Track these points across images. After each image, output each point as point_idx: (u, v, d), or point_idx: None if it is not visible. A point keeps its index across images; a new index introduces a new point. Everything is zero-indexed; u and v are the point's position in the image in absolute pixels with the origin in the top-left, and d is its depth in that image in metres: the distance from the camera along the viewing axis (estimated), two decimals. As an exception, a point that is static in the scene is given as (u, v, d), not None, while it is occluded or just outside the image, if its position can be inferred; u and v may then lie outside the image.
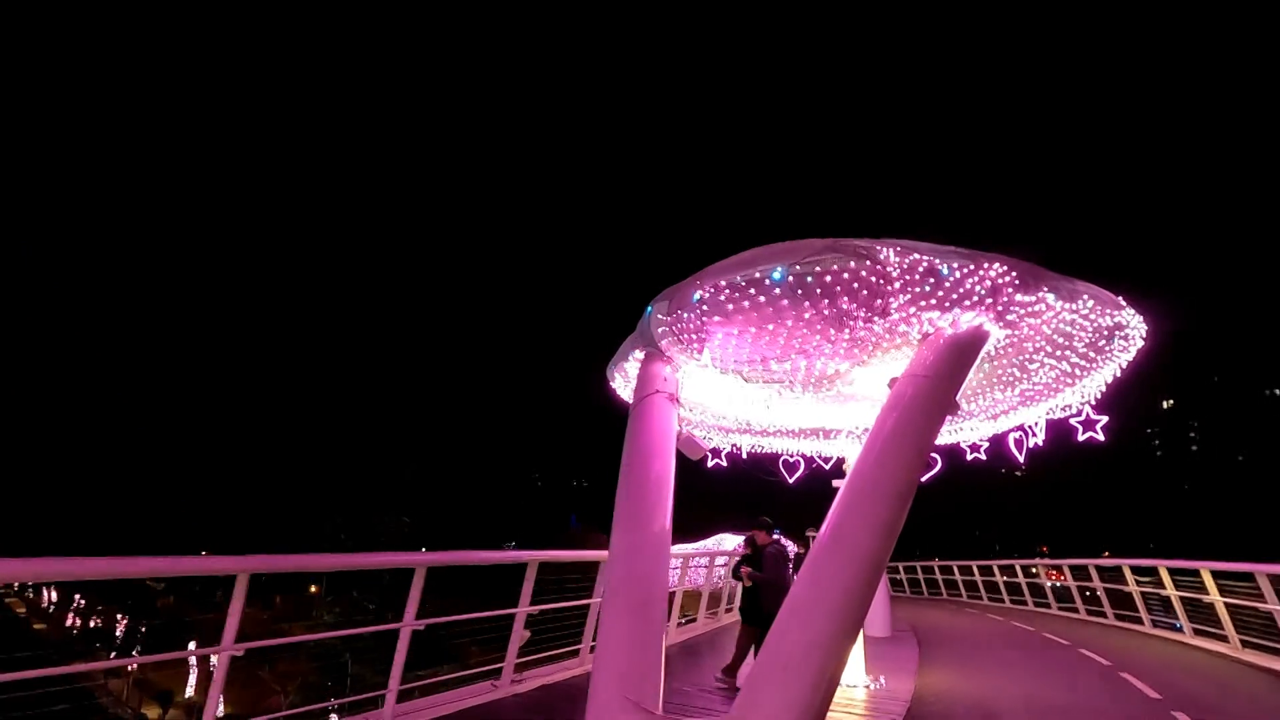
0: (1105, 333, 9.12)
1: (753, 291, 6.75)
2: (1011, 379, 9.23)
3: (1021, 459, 12.94)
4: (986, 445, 14.76)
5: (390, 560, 6.66)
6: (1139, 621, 15.43)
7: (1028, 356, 8.94)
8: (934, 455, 14.87)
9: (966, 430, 11.95)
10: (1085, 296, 8.45)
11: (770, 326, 7.08)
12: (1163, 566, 13.75)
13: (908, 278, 6.93)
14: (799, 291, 6.62)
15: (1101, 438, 10.98)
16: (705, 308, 7.05)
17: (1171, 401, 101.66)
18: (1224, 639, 12.14)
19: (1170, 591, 13.59)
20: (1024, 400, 10.26)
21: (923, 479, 14.38)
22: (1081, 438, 11.19)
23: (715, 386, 9.18)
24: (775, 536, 8.31)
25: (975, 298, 7.37)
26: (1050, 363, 9.15)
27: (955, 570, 28.52)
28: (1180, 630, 13.63)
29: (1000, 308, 7.58)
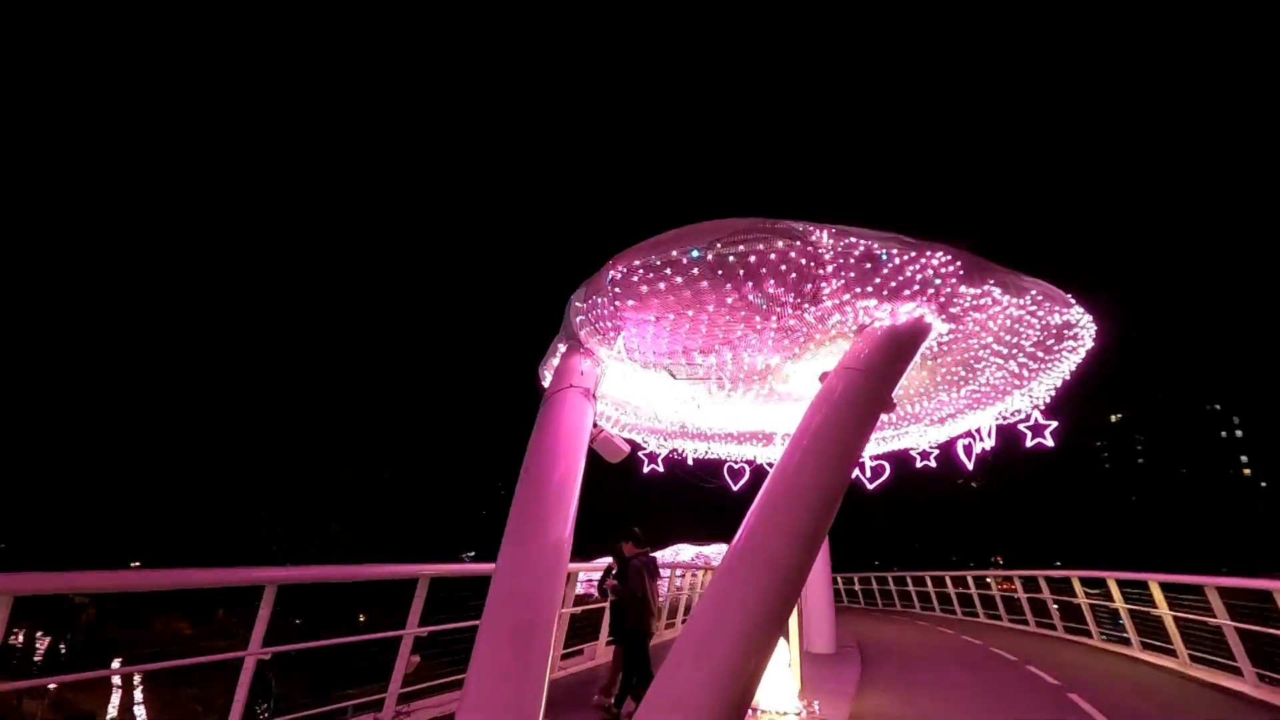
0: (1054, 332, 8.61)
1: (669, 272, 5.99)
2: (957, 379, 8.64)
3: (970, 465, 12.48)
4: (936, 453, 14.33)
5: (237, 577, 5.71)
6: (1088, 634, 15.09)
7: (974, 355, 8.36)
8: (883, 463, 14.32)
9: (914, 436, 11.40)
10: (1033, 292, 7.91)
11: (690, 313, 6.33)
12: (1111, 578, 13.40)
13: (842, 261, 6.25)
14: (720, 273, 5.88)
15: (1050, 443, 10.52)
16: (618, 290, 6.27)
17: (1119, 415, 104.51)
18: (1172, 653, 11.77)
19: (1119, 604, 13.24)
20: (971, 403, 9.71)
21: (871, 486, 13.73)
22: (1030, 443, 10.73)
23: (644, 384, 8.40)
24: (645, 549, 7.48)
25: (916, 287, 6.73)
26: (997, 362, 8.58)
27: (909, 581, 28.23)
28: (1129, 644, 13.28)
29: (943, 299, 6.95)
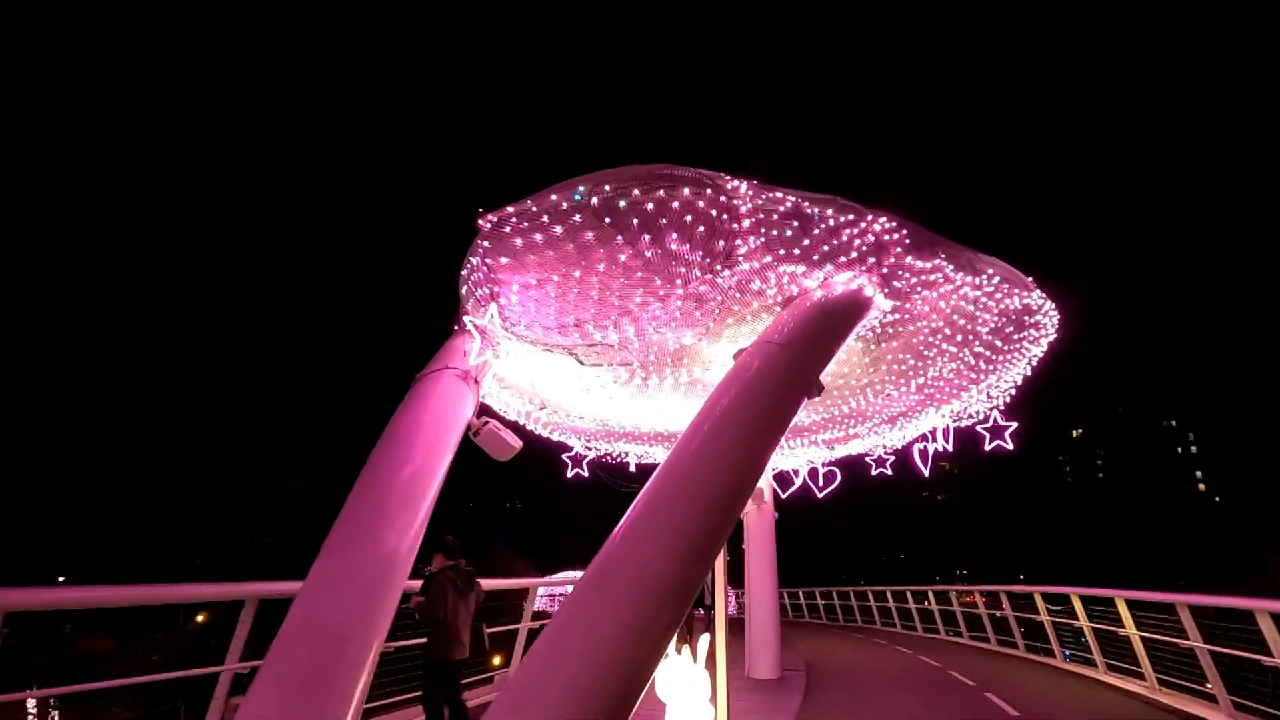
0: (1013, 318, 7.63)
1: (546, 220, 4.86)
2: (906, 370, 7.63)
3: (927, 471, 11.52)
4: (892, 459, 13.37)
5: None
6: (1052, 654, 14.21)
7: (924, 341, 7.34)
8: (833, 469, 13.23)
9: (865, 437, 10.37)
10: (989, 272, 6.93)
11: (577, 274, 5.20)
12: (1075, 594, 12.51)
13: (764, 218, 5.16)
14: (607, 221, 4.75)
15: (1010, 445, 9.57)
16: (487, 245, 5.12)
17: (1080, 431, 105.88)
18: (1140, 676, 10.87)
19: (1083, 623, 12.34)
20: (925, 399, 8.70)
21: (821, 494, 12.58)
22: (989, 446, 9.78)
23: (549, 371, 7.24)
24: (458, 560, 6.15)
25: (854, 254, 5.67)
26: (951, 351, 7.58)
27: (870, 596, 27.31)
28: (1093, 665, 12.39)
29: (885, 270, 5.91)
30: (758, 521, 13.17)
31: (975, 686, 10.86)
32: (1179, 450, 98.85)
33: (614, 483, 10.06)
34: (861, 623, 27.16)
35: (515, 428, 9.54)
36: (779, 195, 5.38)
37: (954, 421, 10.23)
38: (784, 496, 12.70)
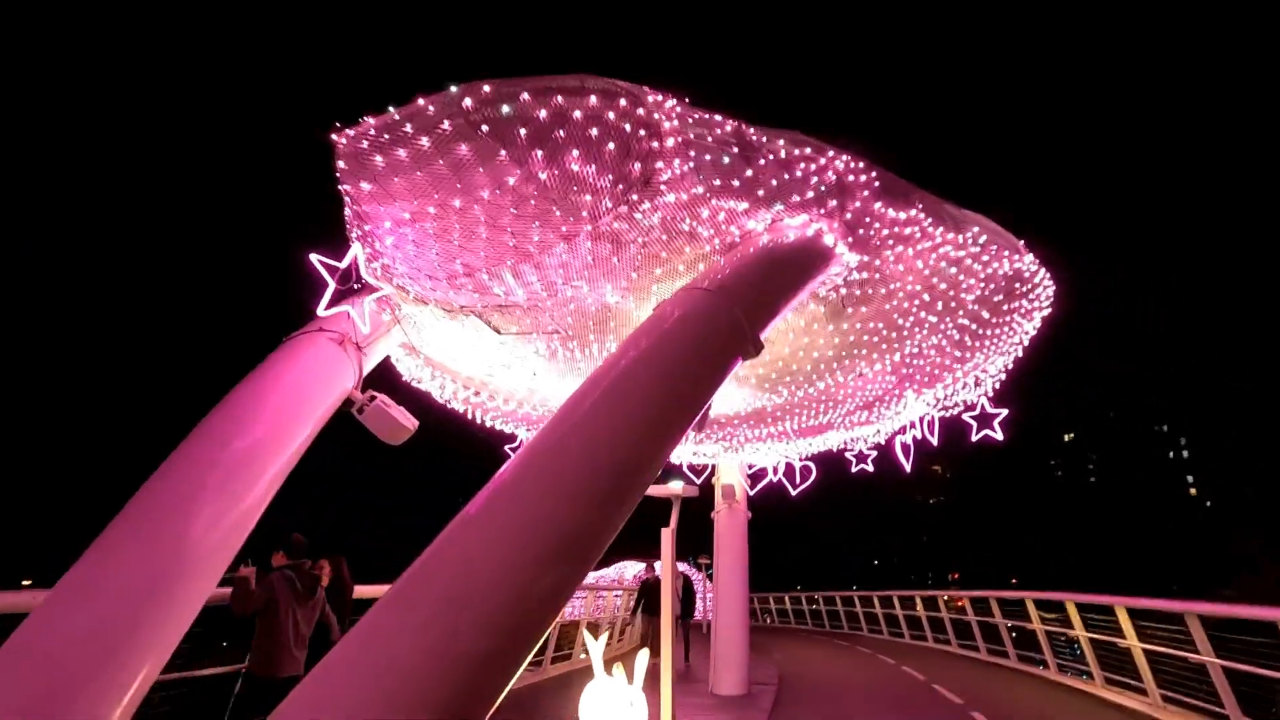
0: (1002, 285, 6.61)
1: (409, 130, 3.82)
2: (881, 341, 6.60)
3: (909, 466, 10.50)
4: (875, 454, 12.37)
5: None
6: (1044, 665, 13.23)
7: (900, 308, 6.31)
8: (809, 465, 12.17)
9: (838, 426, 9.35)
10: (975, 230, 5.92)
11: (456, 203, 4.16)
12: (1071, 601, 11.54)
13: (694, 139, 4.11)
14: (485, 131, 3.71)
15: (999, 435, 8.57)
16: (343, 166, 4.07)
17: (1072, 435, 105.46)
18: (1142, 692, 9.90)
19: (1079, 632, 11.37)
20: (904, 380, 7.68)
21: (796, 492, 11.48)
22: (976, 436, 8.78)
23: (466, 345, 6.19)
24: (301, 561, 5.08)
25: (810, 194, 4.63)
26: (931, 320, 6.56)
27: (856, 602, 26.33)
28: (1090, 678, 11.42)
29: (850, 216, 4.87)
30: (728, 521, 12.15)
31: (962, 705, 9.85)
32: (1170, 455, 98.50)
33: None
34: (847, 628, 26.19)
35: (461, 418, 8.50)
36: (718, 119, 4.36)
37: (938, 410, 9.23)
38: (753, 493, 11.67)
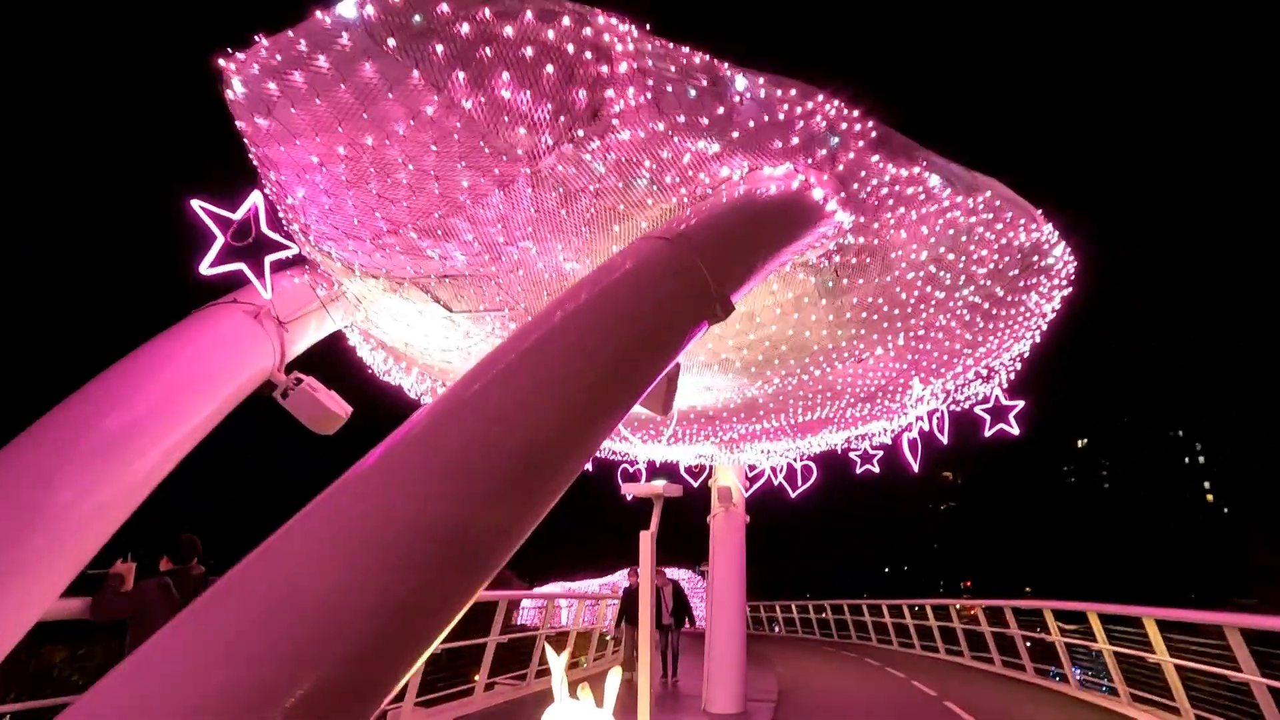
0: (1017, 258, 5.91)
1: (305, 49, 3.16)
2: (883, 318, 5.92)
3: (915, 465, 9.77)
4: (880, 454, 11.65)
5: None
6: (1064, 679, 12.41)
7: (902, 279, 5.64)
8: (809, 464, 11.44)
9: (838, 420, 8.65)
10: (988, 193, 5.22)
11: (369, 140, 3.51)
12: (1093, 612, 10.74)
13: (653, 67, 3.44)
14: (391, 44, 3.04)
15: (1015, 429, 7.85)
16: (235, 96, 3.42)
17: (1085, 441, 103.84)
18: (1174, 711, 9.10)
19: (1103, 645, 10.56)
20: (911, 367, 6.99)
21: (795, 494, 10.73)
22: (990, 431, 8.05)
23: (416, 326, 5.56)
24: (188, 565, 4.43)
25: (795, 139, 3.92)
26: (939, 296, 5.86)
27: (865, 611, 25.45)
28: (1114, 694, 10.61)
29: (843, 169, 4.18)
30: (725, 526, 11.44)
31: (976, 725, 9.09)
32: (1186, 461, 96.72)
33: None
34: (856, 638, 25.33)
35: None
36: (684, 50, 3.70)
37: (947, 404, 8.51)
38: (749, 495, 10.98)
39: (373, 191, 3.68)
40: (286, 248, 4.09)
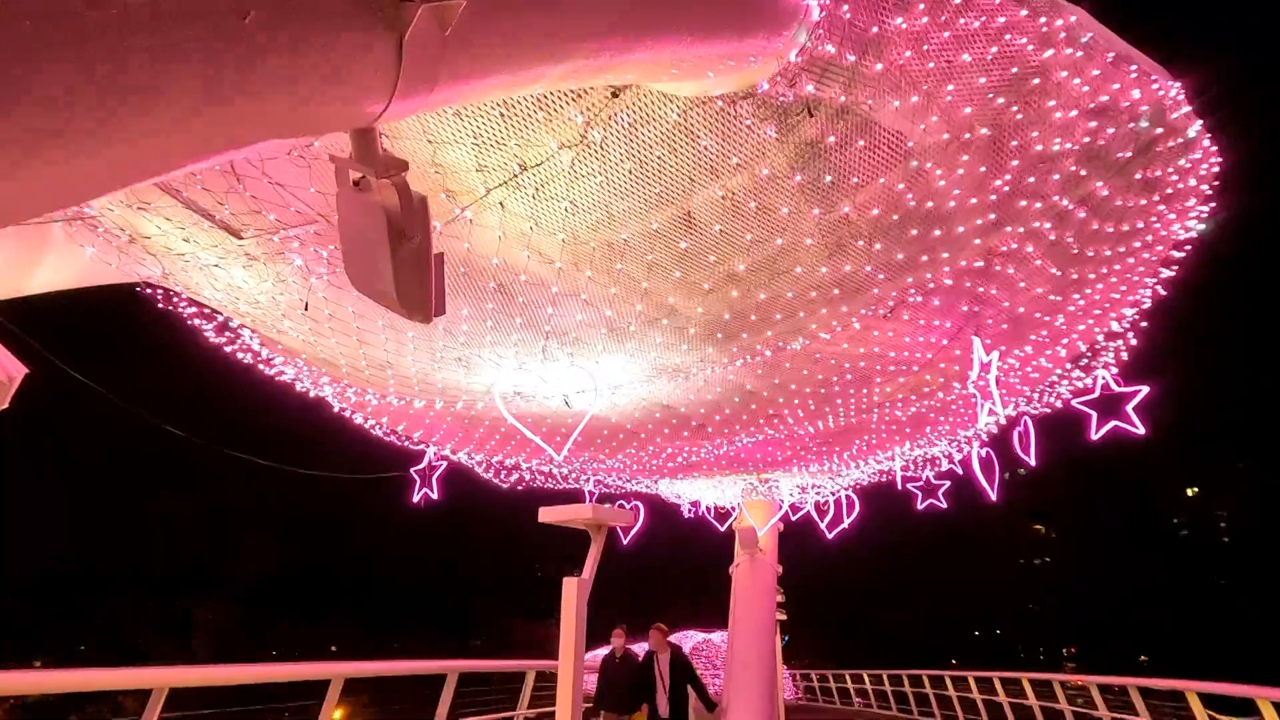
0: (1127, 132, 3.62)
1: None
2: (908, 220, 3.83)
3: (993, 492, 7.29)
4: (946, 486, 9.16)
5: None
6: (1221, 790, 9.26)
7: (936, 150, 3.50)
8: (851, 496, 9.20)
9: (877, 425, 6.40)
10: (1072, 17, 2.99)
11: None
12: (1265, 699, 7.77)
13: None
14: None
15: (1139, 428, 5.42)
16: None
17: (1196, 489, 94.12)
18: None
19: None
20: (968, 320, 4.80)
21: (831, 534, 8.59)
22: (1098, 433, 5.64)
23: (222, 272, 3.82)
24: None
25: None
26: (1000, 189, 3.71)
27: (948, 683, 21.88)
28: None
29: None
30: (749, 577, 9.17)
31: None
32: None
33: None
34: (941, 716, 21.72)
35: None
36: None
37: (1032, 398, 6.19)
38: (783, 528, 8.68)
39: None
40: None
